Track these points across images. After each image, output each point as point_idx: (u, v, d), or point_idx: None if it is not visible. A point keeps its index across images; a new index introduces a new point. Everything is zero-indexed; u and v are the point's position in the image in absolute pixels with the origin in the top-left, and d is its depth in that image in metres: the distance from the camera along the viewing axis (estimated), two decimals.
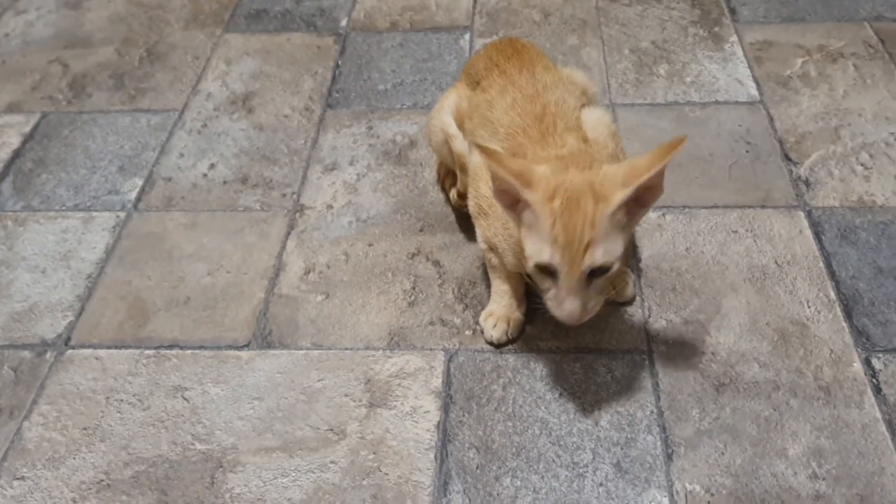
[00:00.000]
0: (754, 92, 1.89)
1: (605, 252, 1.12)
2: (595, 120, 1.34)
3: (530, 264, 1.16)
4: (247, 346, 1.41)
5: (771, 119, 1.81)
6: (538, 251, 1.14)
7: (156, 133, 1.88)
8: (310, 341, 1.41)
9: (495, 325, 1.37)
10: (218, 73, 2.05)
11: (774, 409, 1.28)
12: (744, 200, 1.62)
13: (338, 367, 1.37)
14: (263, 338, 1.42)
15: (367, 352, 1.39)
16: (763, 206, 1.61)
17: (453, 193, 1.58)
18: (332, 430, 1.28)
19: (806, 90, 1.89)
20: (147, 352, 1.41)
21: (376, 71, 2.03)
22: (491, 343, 1.38)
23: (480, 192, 1.34)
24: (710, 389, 1.31)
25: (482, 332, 1.39)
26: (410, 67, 2.03)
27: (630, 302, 1.44)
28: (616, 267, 1.14)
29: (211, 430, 1.30)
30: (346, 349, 1.40)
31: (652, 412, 1.28)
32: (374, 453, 1.25)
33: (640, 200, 1.15)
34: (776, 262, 1.50)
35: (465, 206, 1.45)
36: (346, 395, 1.33)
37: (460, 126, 1.47)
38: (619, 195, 1.10)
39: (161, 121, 1.91)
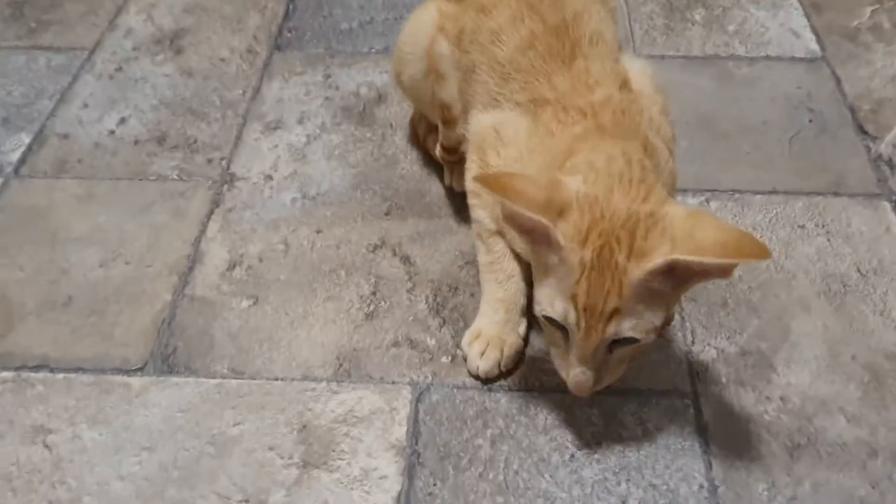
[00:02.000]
0: (814, 46, 1.66)
1: (636, 326, 0.92)
2: (638, 70, 1.13)
3: (537, 311, 0.98)
4: (140, 369, 1.13)
5: (838, 81, 1.57)
6: (550, 301, 0.95)
7: (56, 77, 1.64)
8: (227, 366, 1.13)
9: (484, 353, 1.10)
10: (143, 5, 1.82)
11: (873, 487, 0.98)
12: (809, 185, 1.38)
13: (263, 404, 1.08)
14: (164, 358, 1.14)
15: (306, 383, 1.11)
16: (836, 194, 1.37)
17: (438, 149, 1.37)
18: (247, 501, 0.98)
19: (879, 46, 1.66)
20: (4, 374, 1.13)
21: (339, 6, 1.82)
22: (477, 377, 1.11)
23: (489, 163, 1.10)
24: (782, 453, 1.01)
25: (465, 360, 1.12)
26: (382, 2, 1.83)
27: (667, 322, 1.12)
28: (651, 339, 0.94)
29: (77, 494, 0.99)
30: (277, 379, 1.12)
31: (701, 486, 0.98)
32: None
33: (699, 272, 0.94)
34: (858, 270, 1.24)
35: (451, 160, 1.30)
36: (270, 449, 1.03)
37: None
38: (659, 259, 0.89)
39: (65, 61, 1.68)
